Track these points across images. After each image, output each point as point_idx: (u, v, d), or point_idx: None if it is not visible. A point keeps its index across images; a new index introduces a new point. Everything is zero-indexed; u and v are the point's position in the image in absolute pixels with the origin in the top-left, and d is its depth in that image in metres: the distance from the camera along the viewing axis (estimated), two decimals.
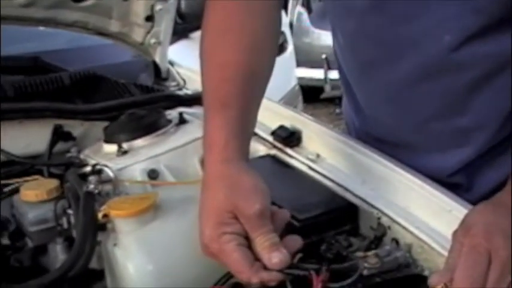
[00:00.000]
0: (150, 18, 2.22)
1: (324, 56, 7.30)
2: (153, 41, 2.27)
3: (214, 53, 1.43)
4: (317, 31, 8.34)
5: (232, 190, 1.24)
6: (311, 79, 7.70)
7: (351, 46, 1.62)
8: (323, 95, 8.39)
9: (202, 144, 1.35)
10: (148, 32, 2.26)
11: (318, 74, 7.63)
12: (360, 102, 1.69)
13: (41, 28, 2.33)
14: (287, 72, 5.32)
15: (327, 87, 7.73)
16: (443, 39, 1.44)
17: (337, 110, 7.89)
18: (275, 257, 1.20)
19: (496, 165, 1.57)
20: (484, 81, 1.48)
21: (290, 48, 5.55)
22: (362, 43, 1.57)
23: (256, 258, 1.21)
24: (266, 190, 1.26)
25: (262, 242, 1.21)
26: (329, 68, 7.37)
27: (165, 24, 2.26)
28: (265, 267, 1.21)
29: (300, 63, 6.30)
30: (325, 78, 7.55)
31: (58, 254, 1.53)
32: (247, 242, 1.22)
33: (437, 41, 1.45)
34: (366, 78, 1.63)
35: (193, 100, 2.05)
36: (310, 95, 7.80)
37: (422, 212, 1.45)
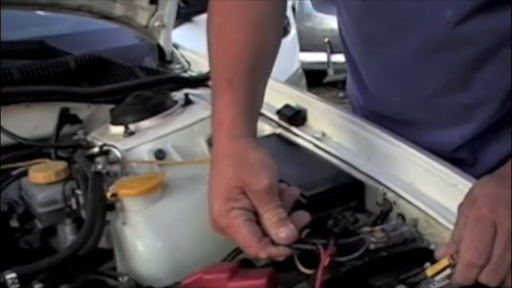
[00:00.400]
0: (154, 2, 2.23)
1: (326, 40, 7.27)
2: (157, 24, 2.28)
3: (221, 32, 1.45)
4: (319, 15, 8.31)
5: (240, 166, 1.26)
6: (314, 63, 7.68)
7: (356, 23, 1.63)
8: (326, 79, 8.35)
9: (211, 122, 1.37)
10: (152, 15, 2.26)
11: (320, 57, 7.59)
12: (365, 80, 1.70)
13: (46, 13, 2.34)
14: (290, 56, 5.32)
15: (330, 71, 7.69)
16: (445, 13, 1.45)
17: (341, 94, 7.86)
18: (282, 231, 1.22)
19: (500, 139, 1.58)
20: (487, 57, 1.49)
21: (293, 31, 5.55)
22: (366, 19, 1.58)
23: (265, 234, 1.23)
24: (274, 166, 1.28)
25: (270, 217, 1.23)
26: (332, 51, 7.34)
27: (169, 8, 2.26)
28: (273, 242, 1.23)
29: (302, 48, 6.28)
30: (328, 62, 7.51)
31: (67, 235, 1.53)
32: (256, 218, 1.24)
33: (440, 16, 1.46)
34: (370, 54, 1.64)
35: (199, 82, 2.05)
36: (313, 79, 7.78)
37: (427, 187, 1.46)
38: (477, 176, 1.39)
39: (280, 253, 1.24)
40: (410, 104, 1.62)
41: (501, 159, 1.53)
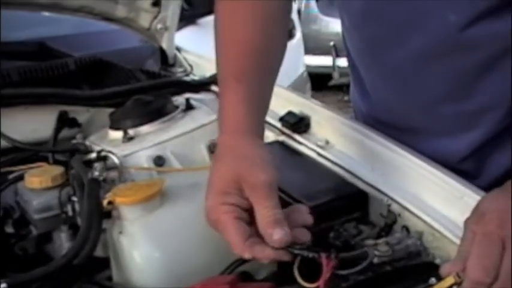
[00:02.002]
0: (156, 4, 2.21)
1: (332, 43, 7.28)
2: (159, 26, 2.26)
3: (229, 30, 1.44)
4: (325, 18, 8.33)
5: (241, 161, 1.24)
6: (319, 66, 7.68)
7: (357, 27, 1.61)
8: (331, 82, 8.38)
9: (218, 118, 1.36)
10: (155, 18, 2.24)
11: (326, 61, 7.61)
12: (367, 86, 1.68)
13: (47, 13, 2.31)
14: (295, 59, 5.31)
15: (336, 75, 7.71)
16: (448, 18, 1.42)
17: (346, 97, 7.88)
18: (277, 233, 1.18)
19: (504, 149, 1.55)
20: (492, 63, 1.46)
21: (298, 35, 5.53)
22: (368, 23, 1.55)
23: (258, 234, 1.20)
24: (275, 170, 1.24)
25: (266, 216, 1.19)
26: (337, 55, 7.35)
27: (171, 10, 2.24)
28: (261, 244, 1.19)
29: (308, 51, 6.28)
30: (334, 65, 7.53)
31: (63, 242, 1.51)
32: (248, 217, 1.21)
33: (443, 20, 1.43)
34: (372, 59, 1.61)
35: (201, 86, 2.03)
36: (319, 83, 7.79)
37: (433, 199, 1.43)
38: (484, 188, 1.36)
39: (265, 256, 1.19)
40: (412, 111, 1.59)
41: (506, 170, 1.50)
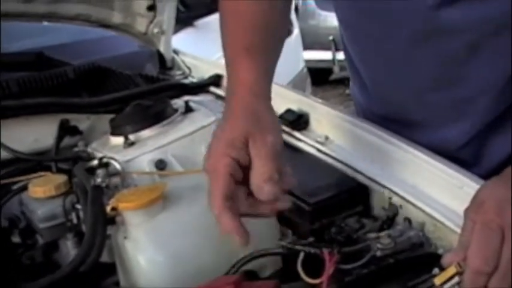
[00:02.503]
0: (152, 8, 2.21)
1: (331, 38, 7.27)
2: (156, 30, 2.26)
3: (235, 5, 1.47)
4: (323, 13, 8.30)
5: (253, 120, 1.26)
6: (319, 61, 7.68)
7: (348, 22, 1.63)
8: (332, 77, 8.37)
9: (227, 87, 1.39)
10: (151, 22, 2.25)
11: (326, 55, 7.60)
12: (365, 80, 1.68)
13: (44, 23, 2.32)
14: (294, 56, 5.31)
15: (336, 69, 7.70)
16: (426, 2, 1.43)
17: (347, 91, 7.86)
18: (269, 185, 1.18)
19: (502, 135, 1.55)
20: (475, 48, 1.47)
21: (296, 31, 5.52)
22: (357, 17, 1.57)
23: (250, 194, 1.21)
24: (281, 135, 1.29)
25: (263, 172, 1.20)
26: (337, 49, 7.34)
27: (167, 13, 2.24)
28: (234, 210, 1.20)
29: (307, 46, 6.27)
30: (334, 59, 7.52)
31: (69, 250, 1.52)
32: (241, 176, 1.21)
33: (421, 5, 1.44)
34: (366, 53, 1.63)
35: (199, 88, 2.04)
36: (319, 77, 7.78)
37: (433, 190, 1.44)
38: (482, 176, 1.36)
39: (231, 224, 1.18)
40: (408, 102, 1.60)
41: (506, 157, 1.51)
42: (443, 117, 1.58)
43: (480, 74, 1.49)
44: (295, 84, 4.72)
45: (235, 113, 1.29)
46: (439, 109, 1.57)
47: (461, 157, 1.55)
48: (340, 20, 1.66)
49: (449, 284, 1.16)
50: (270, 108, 1.32)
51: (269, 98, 1.35)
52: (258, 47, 1.40)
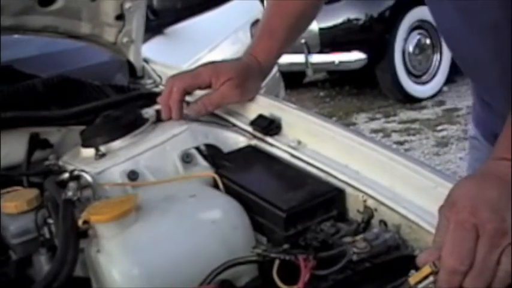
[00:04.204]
0: (120, 17, 2.19)
1: (303, 41, 7.26)
2: (125, 39, 2.24)
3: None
4: None
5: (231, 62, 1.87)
6: (292, 64, 7.67)
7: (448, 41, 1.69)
8: (306, 80, 8.37)
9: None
10: (120, 31, 2.23)
11: (298, 58, 7.60)
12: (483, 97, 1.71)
13: (13, 36, 2.30)
14: None
15: (309, 71, 7.69)
16: None
17: (322, 93, 7.89)
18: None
19: None
20: None
21: None
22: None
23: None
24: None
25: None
26: (309, 52, 7.34)
27: (136, 22, 2.23)
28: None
29: None
30: (306, 62, 7.51)
31: (43, 265, 1.49)
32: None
33: None
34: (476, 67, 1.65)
35: None
36: (293, 81, 7.78)
37: (407, 191, 1.44)
38: None
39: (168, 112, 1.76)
40: None
41: None
42: None
43: None
44: (269, 89, 4.69)
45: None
46: None
47: None
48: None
49: (423, 283, 1.16)
50: (251, 62, 1.82)
51: (262, 59, 1.84)
52: (282, 32, 1.85)
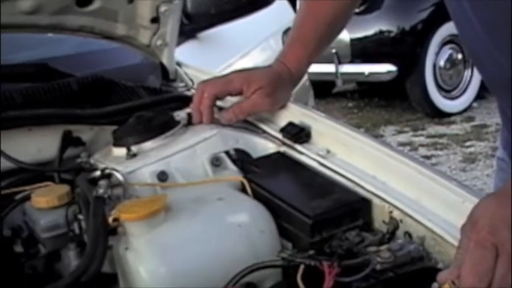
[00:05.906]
0: (155, 20, 2.21)
1: (333, 51, 7.26)
2: (159, 42, 2.26)
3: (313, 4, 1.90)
4: None
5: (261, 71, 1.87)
6: (322, 73, 7.68)
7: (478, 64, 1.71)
8: (335, 90, 8.36)
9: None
10: (154, 34, 2.25)
11: (328, 68, 7.60)
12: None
13: (48, 34, 2.33)
14: None
15: (339, 82, 7.68)
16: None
17: (350, 104, 7.88)
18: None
19: None
20: None
21: None
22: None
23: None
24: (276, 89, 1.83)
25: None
26: (340, 62, 7.34)
27: (171, 25, 2.25)
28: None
29: None
30: (337, 72, 7.51)
31: (71, 260, 1.52)
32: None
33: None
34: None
35: None
36: (322, 90, 7.78)
37: (434, 204, 1.45)
38: None
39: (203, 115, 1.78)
40: None
41: None
42: None
43: None
44: (298, 97, 4.69)
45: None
46: None
47: None
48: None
49: None
50: (281, 70, 1.83)
51: (295, 69, 1.86)
52: (313, 40, 1.86)
